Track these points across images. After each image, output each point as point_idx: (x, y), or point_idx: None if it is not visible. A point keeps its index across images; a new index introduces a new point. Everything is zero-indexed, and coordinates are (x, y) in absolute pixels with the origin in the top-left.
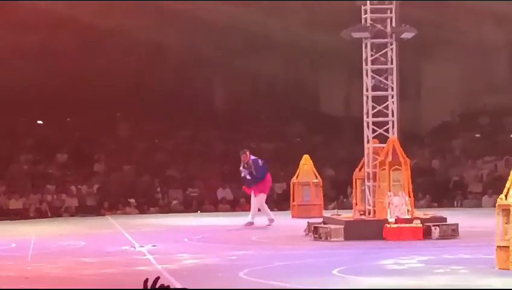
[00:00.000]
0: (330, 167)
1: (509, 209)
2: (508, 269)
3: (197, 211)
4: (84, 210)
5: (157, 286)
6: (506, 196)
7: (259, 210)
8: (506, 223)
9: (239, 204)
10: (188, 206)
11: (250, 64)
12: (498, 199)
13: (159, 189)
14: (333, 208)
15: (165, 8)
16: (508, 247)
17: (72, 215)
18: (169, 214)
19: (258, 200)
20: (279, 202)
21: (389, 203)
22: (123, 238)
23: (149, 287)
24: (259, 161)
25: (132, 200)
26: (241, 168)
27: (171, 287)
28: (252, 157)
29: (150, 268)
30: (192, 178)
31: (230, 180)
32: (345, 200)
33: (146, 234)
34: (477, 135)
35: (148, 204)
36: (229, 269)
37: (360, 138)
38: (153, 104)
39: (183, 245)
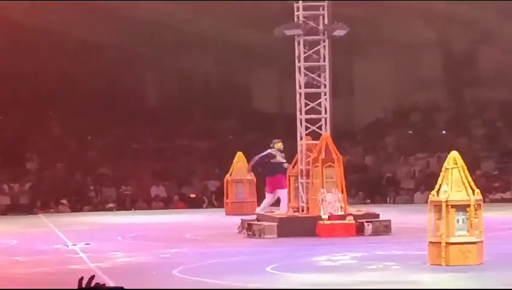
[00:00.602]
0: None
1: (440, 206)
2: (440, 265)
3: (131, 209)
4: (16, 209)
5: (92, 285)
6: (437, 192)
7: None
8: (437, 219)
9: (172, 202)
10: (121, 205)
11: (182, 62)
12: (430, 195)
13: (92, 187)
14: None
15: (97, 7)
16: (440, 243)
17: (4, 214)
18: (103, 212)
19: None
20: (212, 199)
21: (322, 200)
22: (56, 236)
23: (84, 286)
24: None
25: (64, 201)
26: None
27: (106, 286)
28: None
29: (83, 266)
30: (125, 176)
31: (164, 178)
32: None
33: (79, 233)
34: (409, 132)
35: (81, 202)
36: (162, 267)
37: (293, 135)
38: (85, 102)
39: (117, 243)
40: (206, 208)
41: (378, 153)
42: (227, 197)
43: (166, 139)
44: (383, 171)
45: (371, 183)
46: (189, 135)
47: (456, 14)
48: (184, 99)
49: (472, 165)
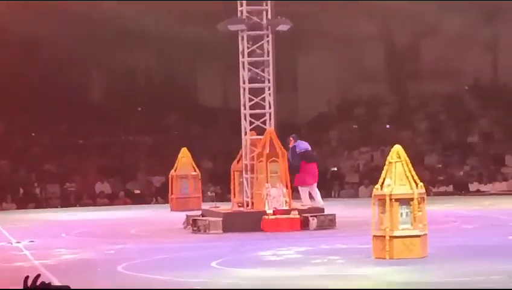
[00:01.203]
0: (208, 160)
1: (384, 199)
2: (384, 258)
3: (75, 205)
4: None
5: (37, 284)
6: (381, 186)
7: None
8: (381, 213)
9: (118, 198)
10: (65, 201)
11: (127, 58)
12: (374, 189)
13: (36, 184)
14: (211, 196)
15: (40, 2)
16: (384, 236)
17: None
18: (47, 209)
19: (300, 192)
20: (157, 195)
21: (266, 194)
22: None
23: (29, 286)
24: (298, 148)
25: (9, 198)
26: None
27: (52, 284)
28: (297, 143)
29: (27, 264)
30: (70, 172)
31: (109, 174)
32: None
33: (23, 230)
34: (354, 126)
35: (25, 199)
36: (107, 263)
37: (238, 130)
38: (29, 99)
39: (61, 240)
40: (155, 204)
41: (322, 147)
42: (172, 193)
43: (111, 135)
44: (327, 165)
45: None
46: (134, 130)
47: (398, 8)
48: (129, 95)
49: (415, 159)
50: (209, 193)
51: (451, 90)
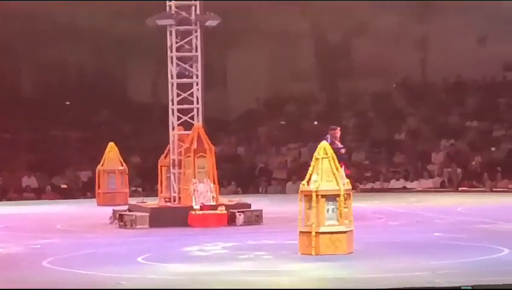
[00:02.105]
0: (137, 155)
1: (311, 195)
2: (310, 254)
3: (1, 200)
4: None
5: None
6: (308, 182)
7: None
8: (308, 209)
9: (45, 192)
10: None
11: (57, 53)
12: (300, 185)
13: None
14: (137, 191)
15: None
16: (310, 232)
17: None
18: None
19: None
20: (84, 190)
21: (194, 190)
22: None
23: None
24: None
25: None
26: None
27: None
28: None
29: None
30: None
31: (37, 168)
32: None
33: None
34: (282, 122)
35: None
36: (32, 258)
37: (167, 125)
38: None
39: None
40: (82, 198)
41: (251, 144)
42: (99, 188)
43: (40, 129)
44: (255, 161)
45: (243, 174)
46: (63, 125)
47: (330, 4)
48: (59, 90)
49: None
50: (133, 188)
51: (381, 88)
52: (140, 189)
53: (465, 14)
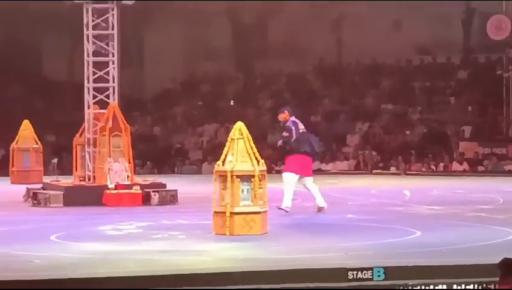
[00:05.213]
0: (51, 133)
1: (226, 176)
2: (224, 234)
3: None
4: None
5: None
6: (223, 162)
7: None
8: (223, 189)
9: None
10: None
11: None
12: (215, 166)
13: None
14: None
15: None
16: (225, 213)
17: None
18: None
19: (283, 179)
20: None
21: (109, 169)
22: None
23: None
24: (300, 126)
25: None
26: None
27: None
28: (293, 119)
29: None
30: None
31: None
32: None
33: None
34: (199, 103)
35: None
36: None
37: (82, 104)
38: None
39: None
40: None
41: (166, 124)
42: (12, 166)
43: None
44: (171, 141)
45: (159, 154)
46: None
47: None
48: None
49: (259, 137)
50: (52, 161)
51: (296, 69)
52: (56, 160)
53: None
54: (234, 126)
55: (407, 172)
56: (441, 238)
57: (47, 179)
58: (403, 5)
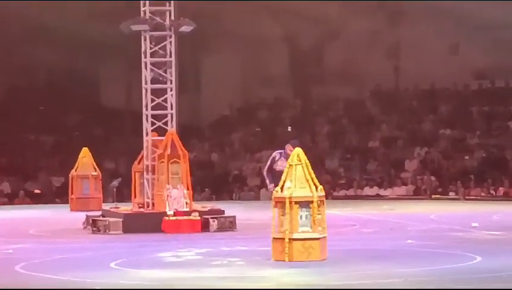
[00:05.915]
0: (110, 160)
1: (284, 202)
2: (284, 261)
3: None
4: None
5: None
6: (282, 188)
7: None
8: (282, 215)
9: (18, 197)
10: None
11: (28, 55)
12: (274, 192)
13: None
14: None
15: None
16: (283, 239)
17: None
18: None
19: None
20: (57, 195)
21: (167, 196)
22: None
23: None
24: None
25: None
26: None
27: None
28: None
29: None
30: None
31: (8, 173)
32: None
33: None
34: (257, 129)
35: None
36: (5, 262)
37: (140, 131)
38: None
39: None
40: (51, 203)
41: (224, 150)
42: (72, 193)
43: (12, 133)
44: (229, 167)
45: (217, 180)
46: (35, 129)
47: (302, 10)
48: (30, 93)
49: (316, 162)
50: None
51: (353, 95)
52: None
53: (436, 21)
54: (292, 152)
55: (467, 197)
56: (501, 264)
57: (106, 206)
58: (459, 29)
